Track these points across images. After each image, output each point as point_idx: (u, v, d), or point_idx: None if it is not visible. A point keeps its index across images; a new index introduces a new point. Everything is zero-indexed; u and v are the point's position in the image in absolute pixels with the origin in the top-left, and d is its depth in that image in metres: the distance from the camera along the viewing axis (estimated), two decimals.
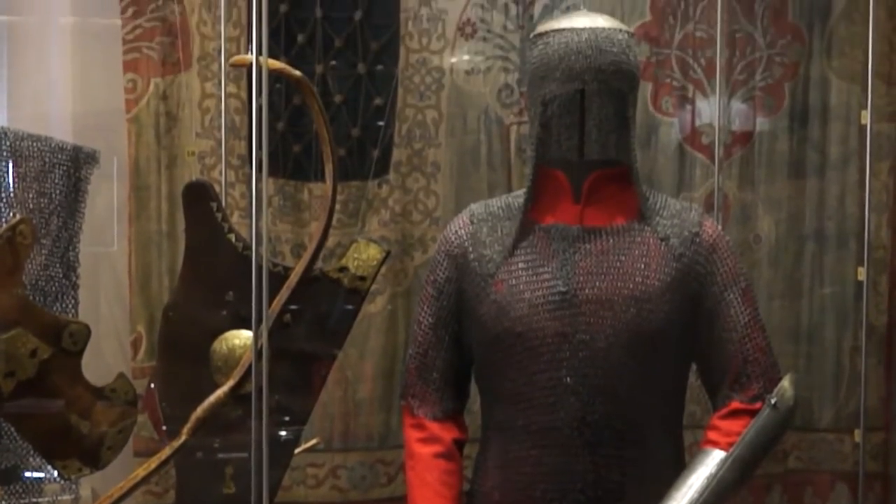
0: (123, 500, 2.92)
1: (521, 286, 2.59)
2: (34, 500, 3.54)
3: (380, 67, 4.16)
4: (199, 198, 3.05)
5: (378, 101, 4.15)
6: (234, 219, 3.84)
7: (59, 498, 3.60)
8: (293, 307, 2.98)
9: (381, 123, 4.15)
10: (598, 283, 2.56)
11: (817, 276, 4.40)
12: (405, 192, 4.19)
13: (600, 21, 2.61)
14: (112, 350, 4.05)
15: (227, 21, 3.93)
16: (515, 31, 4.21)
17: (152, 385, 3.29)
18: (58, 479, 3.34)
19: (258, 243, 2.76)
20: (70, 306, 3.53)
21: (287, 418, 3.08)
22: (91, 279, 3.78)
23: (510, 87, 4.22)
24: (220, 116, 3.85)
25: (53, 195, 3.43)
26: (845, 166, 4.33)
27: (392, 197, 4.18)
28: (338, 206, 3.27)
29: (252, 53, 2.72)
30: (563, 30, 2.59)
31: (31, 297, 3.14)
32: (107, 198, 3.97)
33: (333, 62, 4.12)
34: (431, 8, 4.17)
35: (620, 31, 2.61)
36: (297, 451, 3.23)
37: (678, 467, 2.62)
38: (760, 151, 4.38)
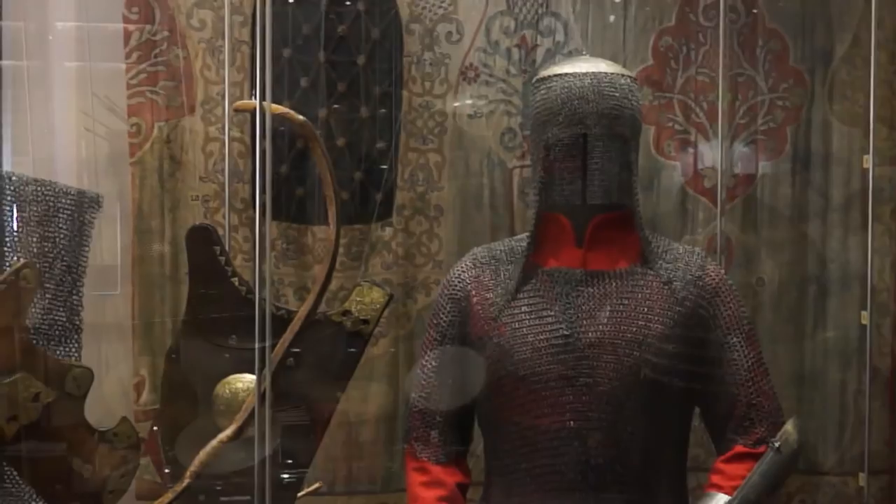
0: None
1: (525, 330, 2.59)
2: None
3: (383, 111, 4.16)
4: (202, 241, 3.06)
5: (381, 144, 4.15)
6: (238, 262, 3.85)
7: None
8: (296, 350, 2.98)
9: (384, 167, 4.15)
10: (600, 327, 2.56)
11: (820, 320, 4.39)
12: (408, 235, 4.19)
13: (602, 66, 2.62)
14: (115, 393, 4.04)
15: (231, 66, 3.95)
16: (518, 76, 4.22)
17: (155, 428, 3.28)
18: None
19: (261, 287, 2.76)
20: (73, 350, 3.51)
21: (290, 461, 3.07)
22: (94, 322, 3.77)
23: (513, 131, 4.23)
24: (224, 160, 3.86)
25: (57, 239, 3.42)
26: (848, 210, 4.33)
27: (395, 240, 4.18)
28: (341, 250, 3.28)
29: (256, 98, 2.74)
30: (566, 74, 2.60)
31: (34, 342, 3.14)
32: (110, 241, 3.97)
33: (336, 106, 4.13)
34: (434, 52, 4.18)
35: (622, 75, 2.62)
36: (299, 494, 3.22)
37: None
38: (763, 195, 4.37)
